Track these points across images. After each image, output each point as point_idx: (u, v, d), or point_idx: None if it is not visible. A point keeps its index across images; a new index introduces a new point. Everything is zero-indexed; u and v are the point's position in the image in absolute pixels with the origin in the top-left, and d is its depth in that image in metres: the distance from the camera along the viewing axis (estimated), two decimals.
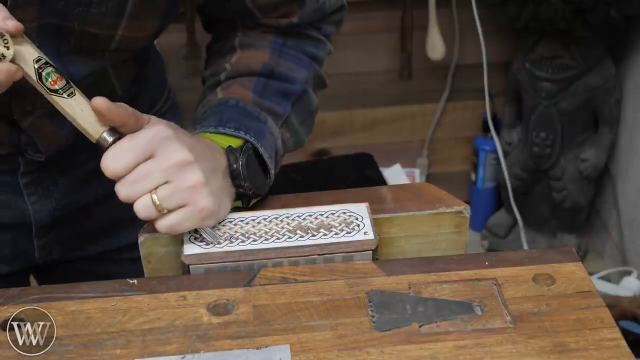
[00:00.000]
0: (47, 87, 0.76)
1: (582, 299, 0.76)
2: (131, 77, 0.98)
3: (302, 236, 0.83)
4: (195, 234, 0.81)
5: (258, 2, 0.92)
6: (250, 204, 0.87)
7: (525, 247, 2.28)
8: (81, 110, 0.77)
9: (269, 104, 0.92)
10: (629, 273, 2.15)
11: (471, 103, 2.36)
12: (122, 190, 0.77)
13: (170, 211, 0.78)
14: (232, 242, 0.82)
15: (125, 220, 1.03)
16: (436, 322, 0.74)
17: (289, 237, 0.82)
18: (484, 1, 2.10)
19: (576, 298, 0.76)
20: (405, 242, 0.88)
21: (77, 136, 0.82)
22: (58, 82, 0.76)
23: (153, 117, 0.80)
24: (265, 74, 0.93)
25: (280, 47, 0.96)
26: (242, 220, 0.85)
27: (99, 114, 0.77)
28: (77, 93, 0.77)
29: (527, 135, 2.20)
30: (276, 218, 0.85)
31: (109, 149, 0.77)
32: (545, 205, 2.28)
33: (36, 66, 0.75)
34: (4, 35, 0.73)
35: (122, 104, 0.78)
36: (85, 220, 1.02)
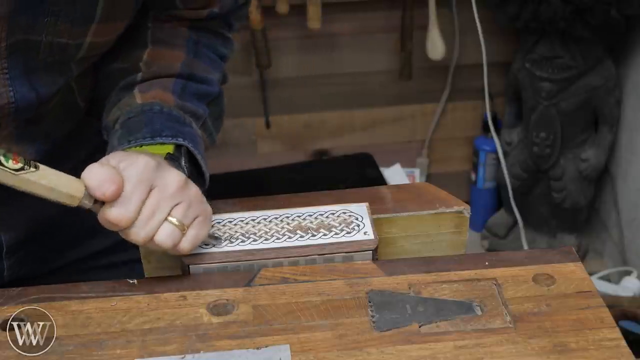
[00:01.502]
0: (12, 169, 0.69)
1: (582, 299, 0.76)
2: (91, 86, 0.96)
3: (302, 236, 0.83)
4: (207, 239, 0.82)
5: None
6: None
7: (525, 247, 2.28)
8: (57, 177, 0.73)
9: (189, 106, 0.90)
10: (629, 273, 2.15)
11: (471, 103, 2.36)
12: (140, 233, 0.76)
13: (187, 227, 0.78)
14: (232, 242, 0.82)
15: (92, 230, 1.00)
16: (436, 322, 0.74)
17: (289, 237, 0.82)
18: (484, 1, 2.10)
19: (576, 298, 0.77)
20: (405, 242, 0.88)
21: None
22: (18, 159, 0.70)
23: (110, 156, 0.78)
24: (184, 76, 0.92)
25: (194, 46, 0.94)
26: (242, 220, 0.85)
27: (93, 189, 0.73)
28: (39, 164, 0.72)
29: (527, 135, 2.20)
30: (276, 218, 0.85)
31: (110, 204, 0.74)
32: (545, 205, 2.28)
33: None
34: None
35: (91, 166, 0.75)
36: (54, 234, 1.00)
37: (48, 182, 0.72)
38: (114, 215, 0.74)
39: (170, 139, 0.84)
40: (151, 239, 0.76)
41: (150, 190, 0.76)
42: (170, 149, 0.84)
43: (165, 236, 0.76)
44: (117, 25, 0.86)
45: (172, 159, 0.82)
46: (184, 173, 0.82)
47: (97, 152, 0.96)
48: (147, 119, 0.86)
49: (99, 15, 0.81)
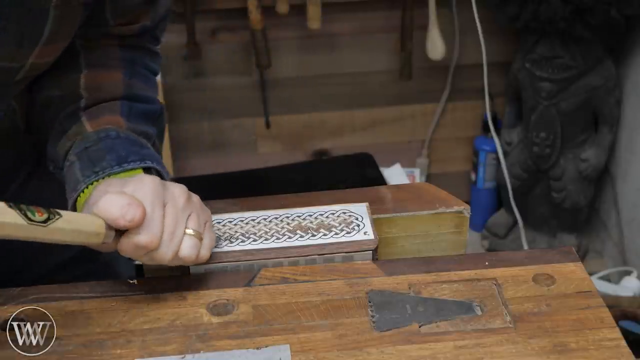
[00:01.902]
0: (41, 222, 0.67)
1: (582, 299, 0.76)
2: (27, 106, 0.93)
3: (302, 236, 0.83)
4: None
5: (116, 5, 0.88)
6: None
7: (525, 247, 2.28)
8: (78, 218, 0.72)
9: (139, 127, 0.89)
10: (629, 273, 2.15)
11: (471, 103, 2.36)
12: (167, 252, 0.75)
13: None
14: (232, 242, 0.82)
15: (44, 248, 1.00)
16: (436, 322, 0.74)
17: (289, 237, 0.82)
18: (484, 1, 2.10)
19: (576, 298, 0.77)
20: (405, 242, 0.88)
21: None
22: (42, 211, 0.68)
23: (107, 186, 0.78)
24: (128, 97, 0.90)
25: (130, 65, 0.92)
26: (242, 220, 0.85)
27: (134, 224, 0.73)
28: (57, 210, 0.70)
29: (527, 135, 2.20)
30: (276, 218, 0.85)
31: (137, 230, 0.73)
32: (545, 205, 2.28)
33: (17, 211, 0.66)
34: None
35: (108, 198, 0.73)
36: (7, 256, 0.96)
37: (74, 226, 0.70)
38: (144, 239, 0.73)
39: (138, 163, 0.83)
40: (177, 254, 0.76)
41: (164, 207, 0.76)
42: (138, 173, 0.82)
43: (189, 249, 0.76)
44: (60, 45, 0.84)
45: None
46: None
47: (36, 170, 0.96)
48: (107, 147, 0.84)
49: (45, 37, 0.79)
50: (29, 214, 0.66)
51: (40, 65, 0.83)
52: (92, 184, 0.80)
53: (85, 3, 0.81)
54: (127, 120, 0.88)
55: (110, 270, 1.05)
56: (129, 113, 0.89)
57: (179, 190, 0.78)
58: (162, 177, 0.85)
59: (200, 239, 0.77)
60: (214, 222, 0.84)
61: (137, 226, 0.73)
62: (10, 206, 0.65)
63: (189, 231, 0.76)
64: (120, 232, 0.74)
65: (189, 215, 0.77)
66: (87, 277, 0.86)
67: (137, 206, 0.72)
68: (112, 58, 0.91)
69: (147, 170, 0.83)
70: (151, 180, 0.76)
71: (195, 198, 0.80)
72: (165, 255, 0.75)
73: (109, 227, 0.73)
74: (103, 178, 0.81)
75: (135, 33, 0.92)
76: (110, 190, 0.76)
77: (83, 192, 0.80)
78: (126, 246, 0.74)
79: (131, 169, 0.82)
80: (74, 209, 0.80)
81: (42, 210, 0.67)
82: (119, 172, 0.81)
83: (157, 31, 0.96)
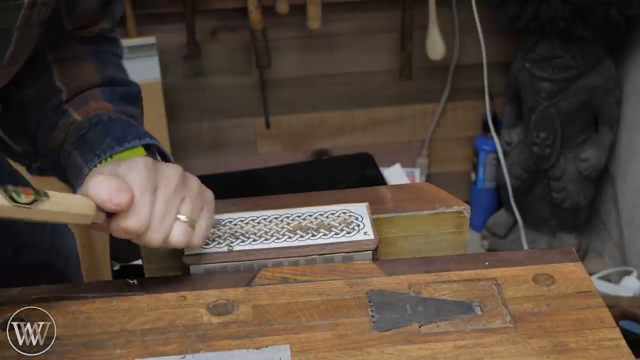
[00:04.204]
0: (26, 204, 0.68)
1: (582, 299, 0.76)
2: None
3: (302, 236, 0.83)
4: (207, 240, 0.81)
5: (71, 13, 0.88)
6: None
7: (525, 247, 2.28)
8: (67, 200, 0.71)
9: (125, 109, 0.89)
10: (629, 273, 2.15)
11: (471, 103, 2.36)
12: (156, 236, 0.74)
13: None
14: (232, 242, 0.82)
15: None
16: (436, 322, 0.74)
17: (289, 237, 0.82)
18: (484, 1, 2.10)
19: (576, 298, 0.76)
20: (405, 242, 0.88)
21: None
22: (29, 192, 0.68)
23: (103, 167, 0.77)
24: (106, 83, 0.90)
25: (96, 54, 0.92)
26: (242, 220, 0.85)
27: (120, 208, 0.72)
28: (46, 190, 0.70)
29: (527, 135, 2.20)
30: (276, 218, 0.85)
31: (124, 214, 0.73)
32: (545, 205, 2.28)
33: (2, 192, 0.67)
34: None
35: (98, 180, 0.73)
36: None
37: (62, 207, 0.71)
38: (131, 224, 0.73)
39: (138, 141, 0.83)
40: (166, 240, 0.75)
41: (156, 190, 0.75)
42: (140, 152, 0.83)
43: (179, 235, 0.75)
44: (14, 69, 0.83)
45: None
46: None
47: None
48: (104, 130, 0.84)
49: (7, 59, 0.78)
50: (14, 196, 0.67)
51: None
52: (95, 166, 0.81)
53: (41, 21, 0.80)
54: (112, 104, 0.88)
55: (65, 261, 1.06)
56: (111, 97, 0.89)
57: (172, 172, 0.76)
58: (162, 153, 0.85)
59: (193, 226, 0.76)
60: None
61: (125, 210, 0.72)
62: None
63: (181, 217, 0.75)
64: (111, 214, 0.73)
65: (183, 199, 0.76)
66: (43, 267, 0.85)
67: (124, 191, 0.72)
68: (78, 51, 0.91)
69: (148, 148, 0.83)
70: (144, 163, 0.75)
71: (192, 180, 0.78)
72: (154, 240, 0.74)
73: (99, 208, 0.72)
74: (105, 159, 0.81)
75: (93, 35, 0.92)
76: (103, 172, 0.75)
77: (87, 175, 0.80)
78: (115, 229, 0.74)
79: (132, 147, 0.82)
80: None
81: (30, 191, 0.68)
82: (120, 152, 0.82)
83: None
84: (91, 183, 0.72)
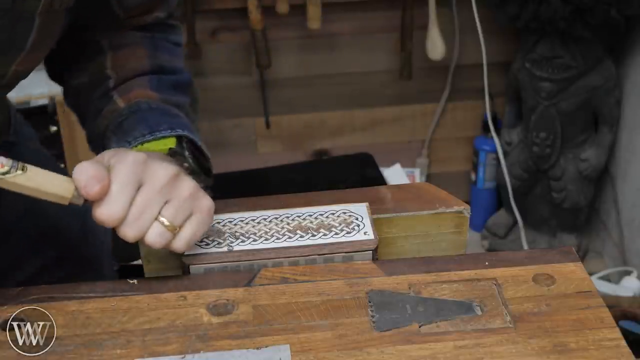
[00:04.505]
0: None
1: (582, 299, 0.76)
2: (5, 112, 0.95)
3: (302, 236, 0.83)
4: (206, 239, 0.81)
5: (121, 1, 0.90)
6: None
7: (525, 247, 2.28)
8: (43, 178, 0.73)
9: (171, 98, 0.90)
10: (629, 273, 2.15)
11: (471, 103, 2.36)
12: (129, 231, 0.74)
13: (180, 227, 0.76)
14: (232, 242, 0.82)
15: (28, 248, 1.00)
16: (436, 322, 0.74)
17: (289, 237, 0.82)
18: (484, 1, 2.10)
19: (576, 298, 0.76)
20: (405, 242, 0.88)
21: None
22: (5, 163, 0.71)
23: (104, 153, 0.77)
24: (155, 71, 0.91)
25: (151, 41, 0.93)
26: (242, 220, 0.85)
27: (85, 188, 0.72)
28: (27, 165, 0.72)
29: (527, 135, 2.20)
30: (276, 218, 0.85)
31: (98, 202, 0.73)
32: (545, 205, 2.28)
33: None
34: None
35: (80, 164, 0.73)
36: None
37: (35, 184, 0.72)
38: (101, 214, 0.73)
39: (168, 131, 0.84)
40: (141, 237, 0.75)
41: (140, 187, 0.74)
42: (171, 143, 0.83)
43: (154, 236, 0.75)
44: (41, 55, 0.84)
45: (175, 154, 0.82)
46: (190, 166, 0.82)
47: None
48: (139, 118, 0.85)
49: (29, 45, 0.79)
50: None
51: (20, 73, 0.83)
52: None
53: (67, 8, 0.80)
54: (158, 92, 0.89)
55: (94, 273, 1.05)
56: (158, 85, 0.90)
57: (162, 172, 0.75)
58: (195, 144, 0.86)
59: (174, 230, 0.75)
60: (214, 223, 0.84)
61: (96, 199, 0.73)
62: None
63: (162, 219, 0.74)
64: None
65: (168, 202, 0.75)
66: (70, 280, 0.86)
67: (97, 180, 0.72)
68: (133, 37, 0.93)
69: (179, 139, 0.84)
70: (133, 158, 0.74)
71: (187, 185, 0.76)
72: (127, 234, 0.74)
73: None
74: (135, 146, 0.82)
75: (147, 23, 0.93)
76: (104, 157, 0.75)
77: None
78: (92, 215, 0.74)
79: (162, 137, 0.83)
80: None
81: (7, 163, 0.70)
82: (150, 140, 0.83)
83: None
84: (77, 166, 0.73)
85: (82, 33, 0.92)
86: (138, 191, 0.74)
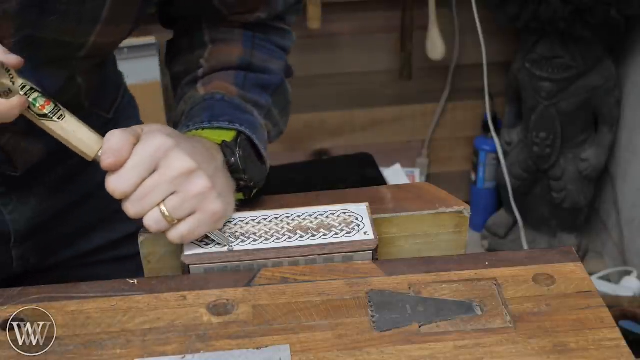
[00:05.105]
0: (36, 113, 0.75)
1: (582, 299, 0.76)
2: (96, 83, 0.97)
3: (302, 236, 0.83)
4: (206, 239, 0.81)
5: (225, 1, 0.93)
6: (252, 195, 0.87)
7: (525, 247, 2.28)
8: (73, 131, 0.76)
9: (251, 96, 0.92)
10: (629, 273, 2.15)
11: (471, 103, 2.36)
12: (131, 208, 0.77)
13: (179, 220, 0.78)
14: (232, 242, 0.82)
15: (99, 222, 1.02)
16: (436, 322, 0.74)
17: (289, 237, 0.82)
18: (484, 1, 2.10)
19: (576, 298, 0.76)
20: (405, 242, 0.88)
21: (51, 150, 0.81)
22: (46, 107, 0.75)
23: (145, 126, 0.79)
24: (243, 67, 0.94)
25: (251, 39, 0.96)
26: (242, 220, 0.85)
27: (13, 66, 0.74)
28: (66, 115, 0.76)
29: (527, 135, 2.20)
30: (276, 218, 0.85)
31: (110, 172, 0.76)
32: (545, 205, 2.28)
33: (22, 93, 0.74)
34: (9, 70, 0.73)
35: (112, 131, 0.76)
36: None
37: (65, 134, 0.76)
38: (109, 184, 0.76)
39: (227, 124, 0.85)
40: (140, 217, 0.77)
41: (155, 171, 0.76)
42: (228, 136, 0.85)
43: (151, 221, 0.77)
44: (121, 28, 0.86)
45: (226, 147, 0.83)
46: (236, 162, 0.83)
47: None
48: (207, 106, 0.88)
49: (104, 17, 0.82)
50: (32, 102, 0.75)
51: (103, 45, 0.86)
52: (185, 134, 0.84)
53: None
54: (240, 88, 0.91)
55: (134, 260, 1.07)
56: (242, 82, 0.92)
57: (179, 164, 0.77)
58: (252, 143, 0.87)
59: (171, 222, 0.77)
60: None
61: (109, 169, 0.76)
62: (23, 87, 0.74)
63: (162, 207, 0.77)
64: None
65: (174, 193, 0.77)
66: (132, 259, 0.90)
67: (114, 153, 0.75)
68: (233, 34, 0.96)
69: (239, 134, 0.86)
70: (160, 140, 0.77)
71: (200, 184, 0.77)
72: (128, 210, 0.77)
73: None
74: (193, 130, 0.85)
75: (251, 22, 0.95)
76: (140, 129, 0.78)
77: None
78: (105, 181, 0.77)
79: (218, 127, 0.85)
80: None
81: (48, 106, 0.75)
82: (207, 128, 0.85)
83: (284, 14, 0.98)
84: (109, 132, 0.76)
85: (191, 26, 0.97)
86: (151, 174, 0.76)
